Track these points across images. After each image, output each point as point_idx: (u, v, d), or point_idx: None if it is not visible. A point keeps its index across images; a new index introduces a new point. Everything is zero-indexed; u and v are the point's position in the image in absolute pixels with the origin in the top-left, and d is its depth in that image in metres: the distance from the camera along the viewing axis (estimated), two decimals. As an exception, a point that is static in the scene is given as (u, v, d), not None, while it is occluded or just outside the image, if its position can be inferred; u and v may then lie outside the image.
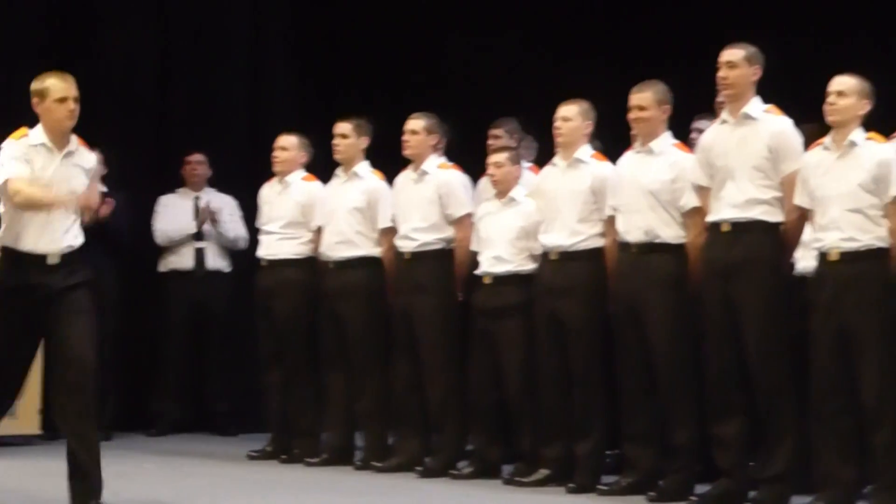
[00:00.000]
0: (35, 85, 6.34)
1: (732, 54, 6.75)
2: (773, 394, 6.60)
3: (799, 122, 6.75)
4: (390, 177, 8.19)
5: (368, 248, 8.15)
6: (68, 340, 6.19)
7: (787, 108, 6.76)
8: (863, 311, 6.34)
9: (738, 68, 6.73)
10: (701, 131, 7.20)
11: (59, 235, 6.29)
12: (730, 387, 6.69)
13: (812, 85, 6.67)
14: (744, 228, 6.64)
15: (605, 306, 7.21)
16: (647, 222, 6.98)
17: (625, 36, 9.46)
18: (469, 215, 7.88)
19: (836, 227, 6.42)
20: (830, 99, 6.47)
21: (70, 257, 6.30)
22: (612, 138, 7.50)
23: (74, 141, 6.39)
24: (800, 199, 6.58)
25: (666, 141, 7.09)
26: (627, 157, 7.23)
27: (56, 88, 6.29)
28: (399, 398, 8.02)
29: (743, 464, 6.76)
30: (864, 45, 8.10)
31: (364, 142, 8.27)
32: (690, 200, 6.90)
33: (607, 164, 7.36)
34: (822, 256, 6.49)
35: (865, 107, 6.48)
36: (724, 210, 6.70)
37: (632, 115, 7.06)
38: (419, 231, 7.93)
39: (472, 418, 7.78)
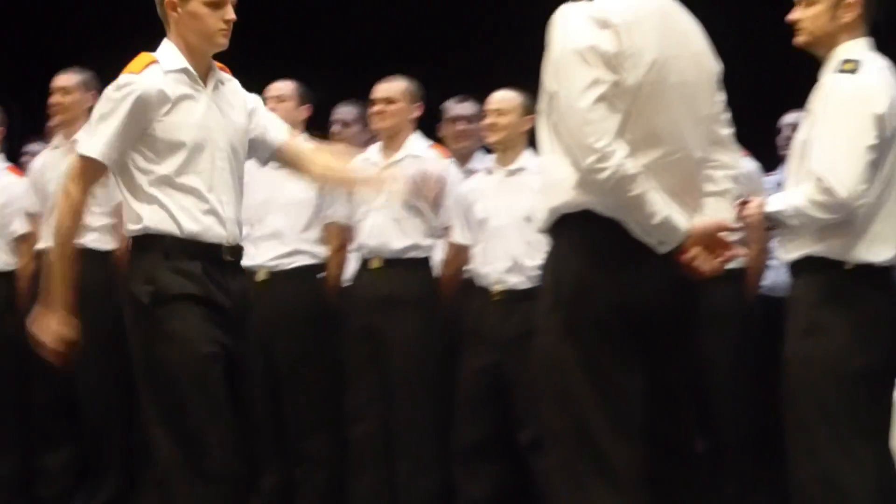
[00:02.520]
0: None
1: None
2: (102, 424, 6.56)
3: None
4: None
5: None
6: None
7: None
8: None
9: None
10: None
11: (232, 215, 4.25)
12: (57, 416, 6.63)
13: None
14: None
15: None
16: None
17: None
18: None
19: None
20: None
21: (240, 255, 4.31)
22: None
23: (216, 66, 4.34)
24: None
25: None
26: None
27: None
28: None
29: (70, 494, 6.69)
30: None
31: None
32: (20, 227, 6.78)
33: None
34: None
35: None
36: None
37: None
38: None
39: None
